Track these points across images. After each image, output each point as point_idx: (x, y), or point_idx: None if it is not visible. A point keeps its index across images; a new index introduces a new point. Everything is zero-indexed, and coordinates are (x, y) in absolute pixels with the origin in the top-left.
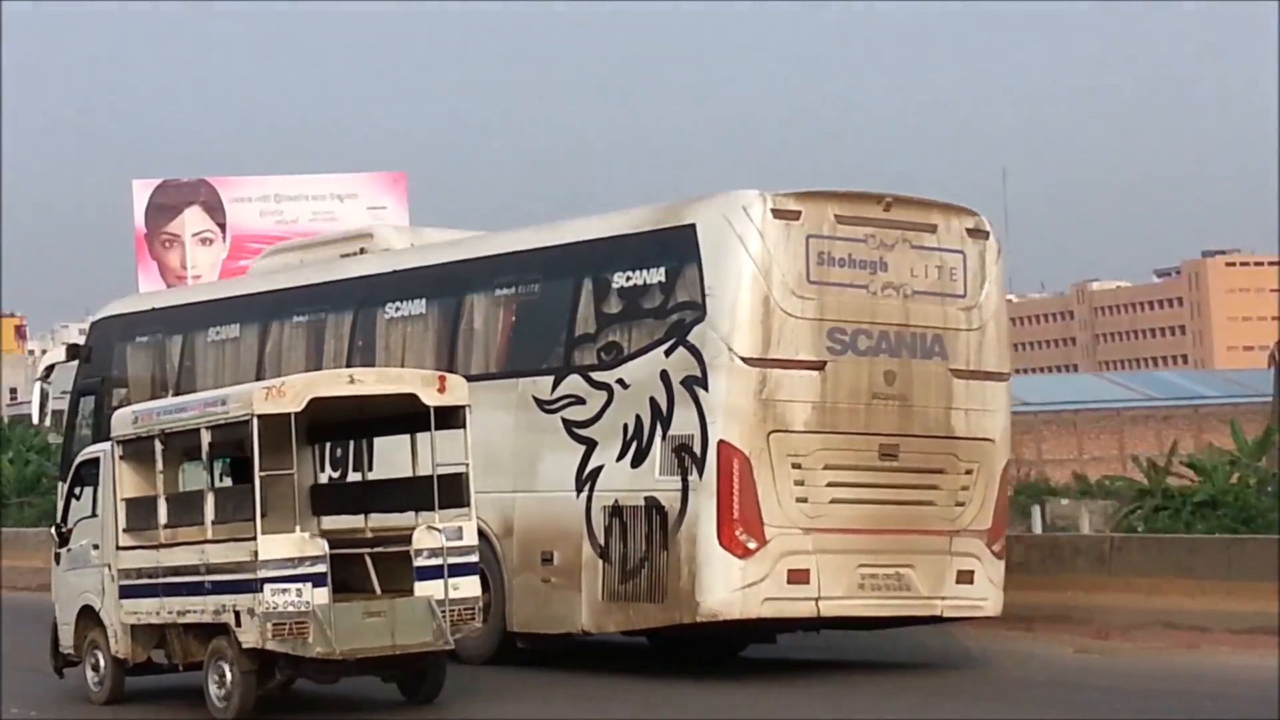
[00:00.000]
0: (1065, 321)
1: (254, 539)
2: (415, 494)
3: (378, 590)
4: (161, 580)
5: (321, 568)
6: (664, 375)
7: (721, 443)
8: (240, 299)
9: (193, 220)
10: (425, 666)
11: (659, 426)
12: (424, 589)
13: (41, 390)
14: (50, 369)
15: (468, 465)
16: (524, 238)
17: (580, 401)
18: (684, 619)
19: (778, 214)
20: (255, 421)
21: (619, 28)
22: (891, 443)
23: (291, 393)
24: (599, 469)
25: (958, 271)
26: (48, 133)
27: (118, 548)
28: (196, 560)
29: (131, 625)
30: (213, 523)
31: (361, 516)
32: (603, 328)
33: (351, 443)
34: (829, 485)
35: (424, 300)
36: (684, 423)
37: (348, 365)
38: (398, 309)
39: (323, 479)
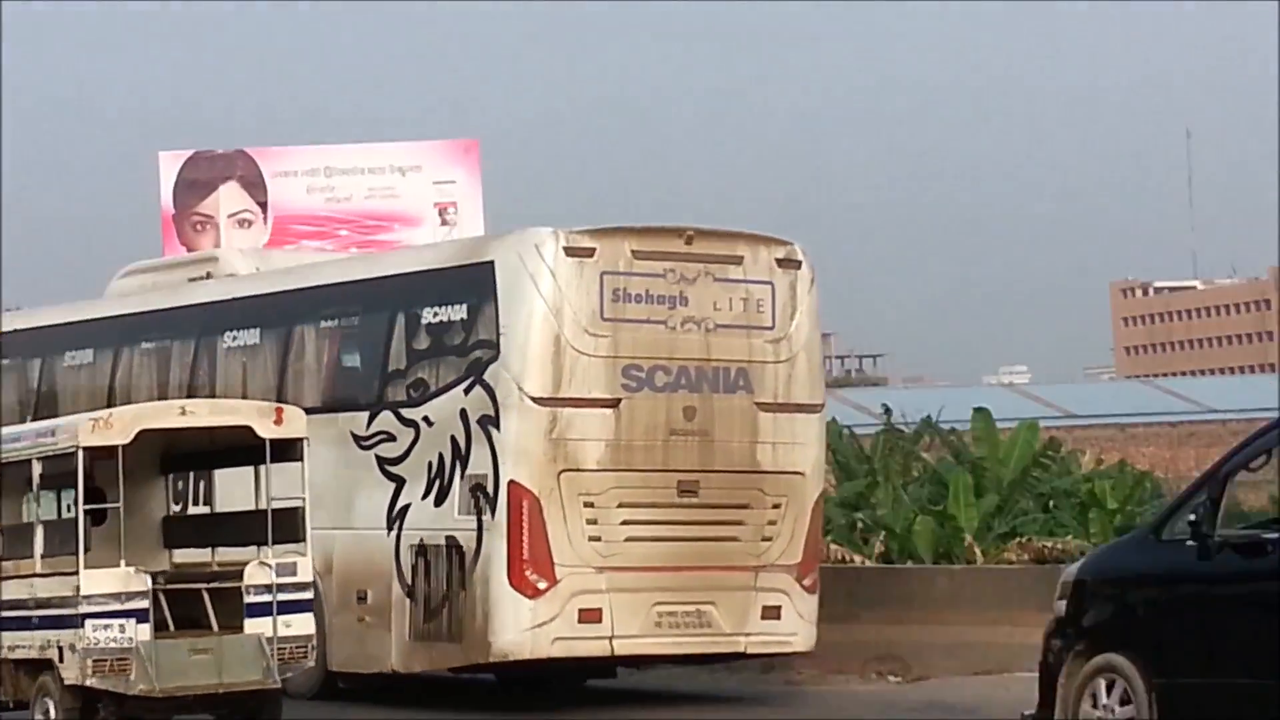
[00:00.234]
0: (1260, 313)
1: (77, 573)
2: (257, 528)
3: (214, 626)
4: None
5: (144, 603)
6: (463, 414)
7: (511, 483)
8: (94, 323)
9: (229, 198)
10: (258, 704)
11: (458, 466)
12: (254, 626)
13: None
14: None
15: (304, 500)
16: (347, 268)
17: (392, 439)
18: (479, 659)
19: (570, 251)
20: (81, 453)
21: None
22: (691, 479)
23: (119, 425)
24: (407, 507)
25: (765, 303)
26: (57, 101)
27: None
28: (25, 594)
29: None
30: (41, 556)
31: (209, 550)
32: (412, 364)
33: (204, 474)
34: (624, 523)
35: (259, 330)
36: (479, 462)
37: (189, 395)
38: (235, 338)
39: (198, 509)
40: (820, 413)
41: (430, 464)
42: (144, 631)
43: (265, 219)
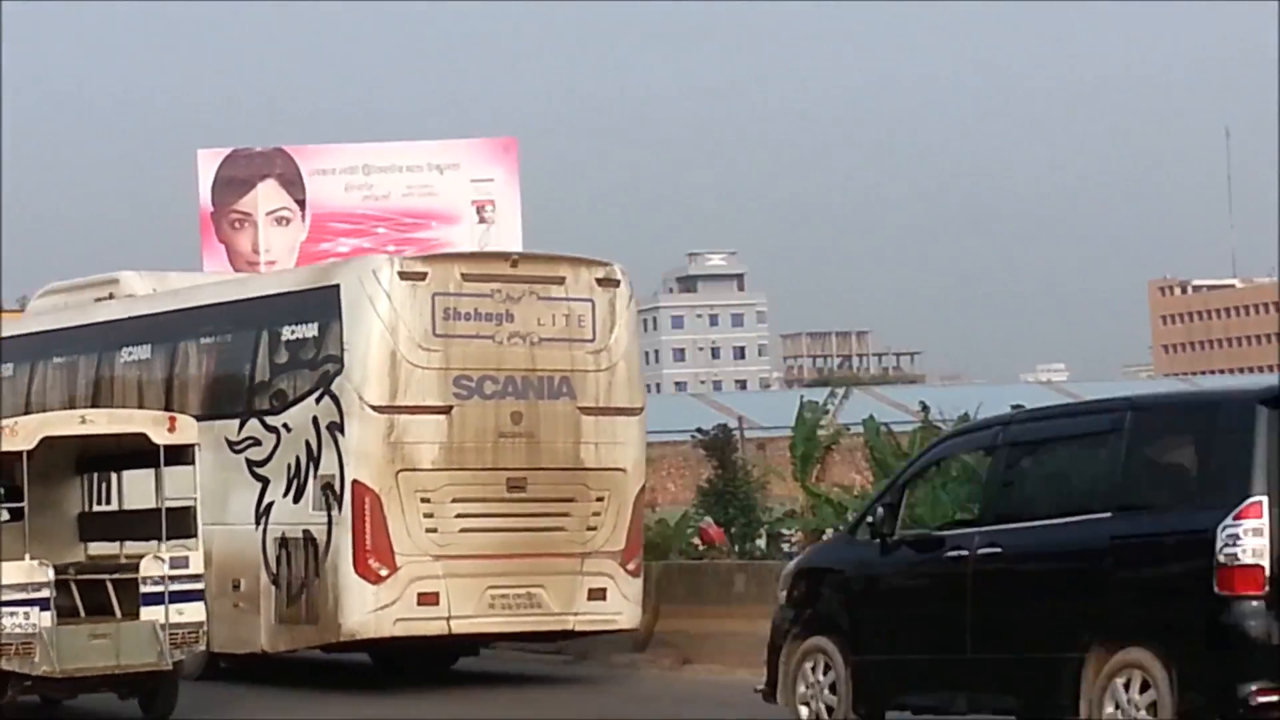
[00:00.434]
0: None
1: None
2: (155, 524)
3: (117, 613)
4: None
5: (46, 593)
6: (315, 421)
7: (355, 482)
8: (14, 339)
9: (267, 196)
10: (157, 684)
11: (312, 467)
12: (150, 613)
13: None
14: None
15: (196, 499)
16: (222, 291)
17: (258, 443)
18: (331, 639)
19: (405, 276)
20: None
21: None
22: (519, 476)
23: (24, 432)
24: (271, 504)
25: (586, 318)
26: (93, 100)
27: None
28: None
29: None
30: None
31: (119, 544)
32: (274, 376)
33: (113, 475)
34: (458, 516)
35: (149, 346)
36: (329, 464)
37: (93, 405)
38: (131, 354)
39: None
40: (640, 415)
41: (289, 466)
42: (46, 618)
43: (303, 217)
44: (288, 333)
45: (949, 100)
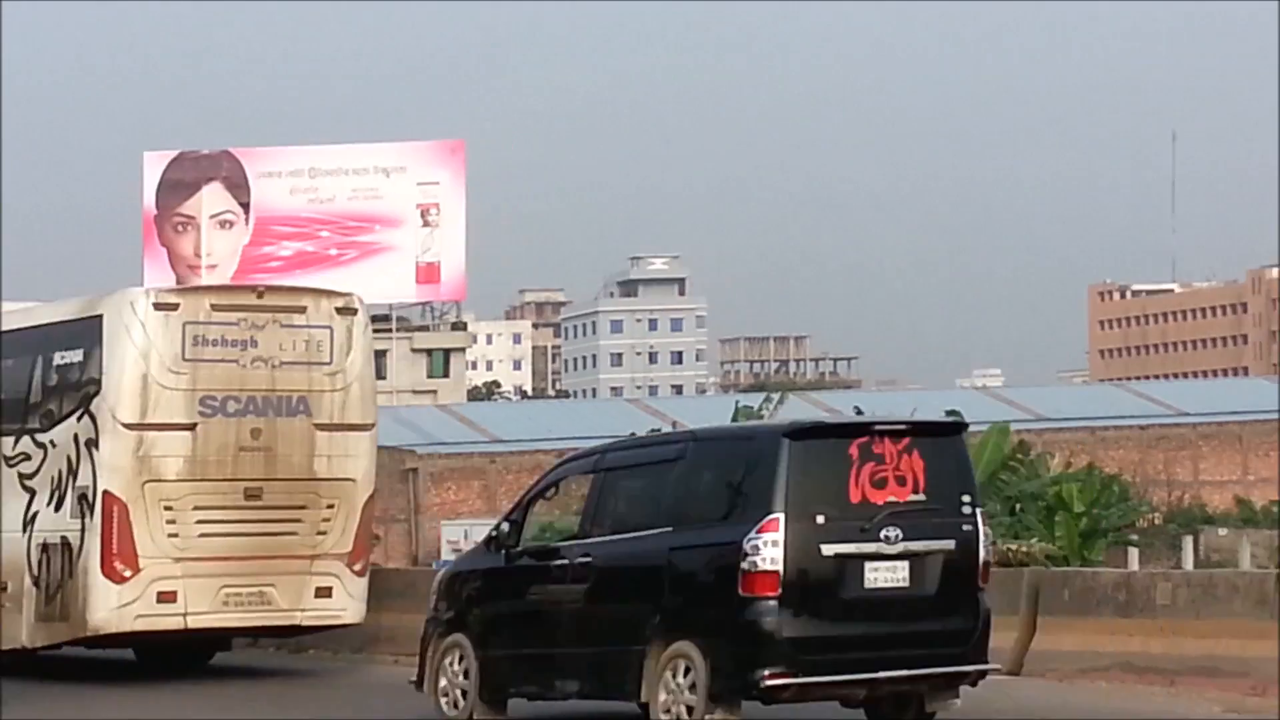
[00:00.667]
0: (1237, 316)
1: None
2: None
3: None
4: None
5: None
6: (75, 437)
7: (105, 492)
8: None
9: (212, 199)
10: None
11: (71, 479)
12: None
13: None
14: None
15: None
16: (11, 320)
17: (29, 458)
18: (80, 634)
19: (158, 307)
20: None
21: None
22: (256, 486)
23: None
24: (37, 513)
25: (325, 344)
26: (42, 99)
27: None
28: None
29: None
30: None
31: None
32: (45, 397)
33: None
34: (198, 523)
35: None
36: (85, 476)
37: None
38: None
39: None
40: (371, 431)
41: (53, 478)
42: None
43: (247, 220)
44: (59, 358)
45: (889, 103)
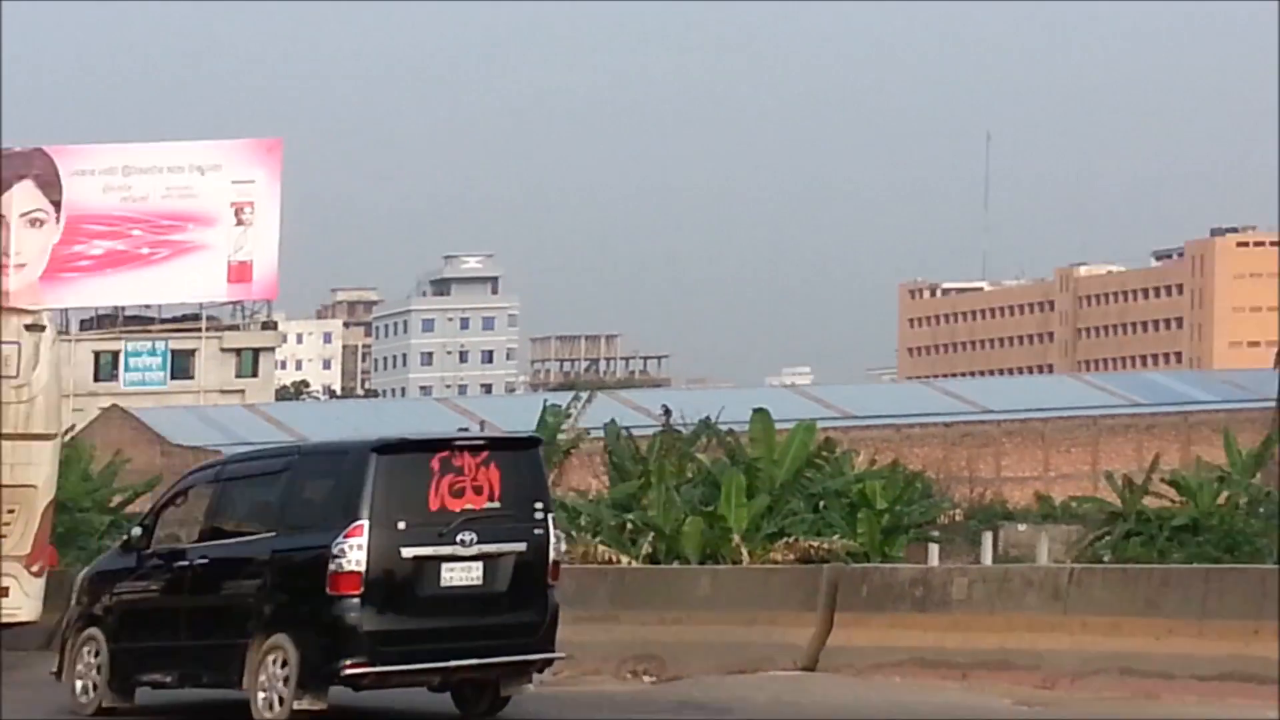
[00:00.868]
0: (1044, 314)
1: None
2: None
3: None
4: None
5: None
6: None
7: None
8: None
9: (22, 197)
10: None
11: None
12: None
13: None
14: None
15: None
16: None
17: None
18: None
19: None
20: None
21: None
22: None
23: None
24: None
25: (12, 359)
26: None
27: None
28: None
29: None
30: None
31: None
32: None
33: None
34: None
35: None
36: None
37: None
38: None
39: None
40: (54, 440)
41: None
42: None
43: (58, 219)
44: None
45: (696, 101)
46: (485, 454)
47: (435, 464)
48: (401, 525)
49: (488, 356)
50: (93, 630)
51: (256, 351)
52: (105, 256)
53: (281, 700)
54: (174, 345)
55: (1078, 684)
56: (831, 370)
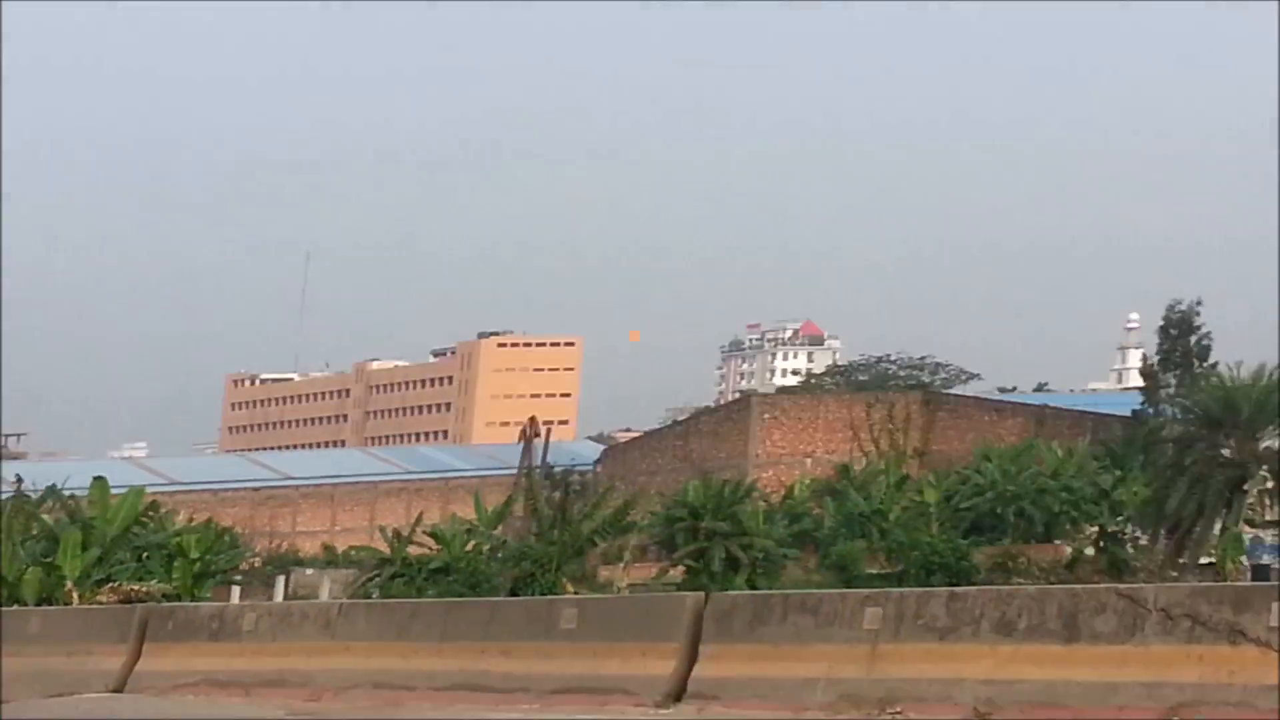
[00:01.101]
0: (341, 399)
1: None
2: None
3: None
4: None
5: None
6: None
7: None
8: None
9: None
10: None
11: None
12: None
13: None
14: None
15: None
16: None
17: None
18: None
19: None
20: None
21: None
22: None
23: None
24: None
25: None
26: None
27: None
28: None
29: None
30: None
31: None
32: None
33: None
34: None
35: None
36: None
37: None
38: None
39: None
40: None
41: None
42: None
43: None
44: None
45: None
46: None
47: None
48: None
49: None
50: None
51: None
52: None
53: None
54: None
55: (340, 696)
56: (165, 444)
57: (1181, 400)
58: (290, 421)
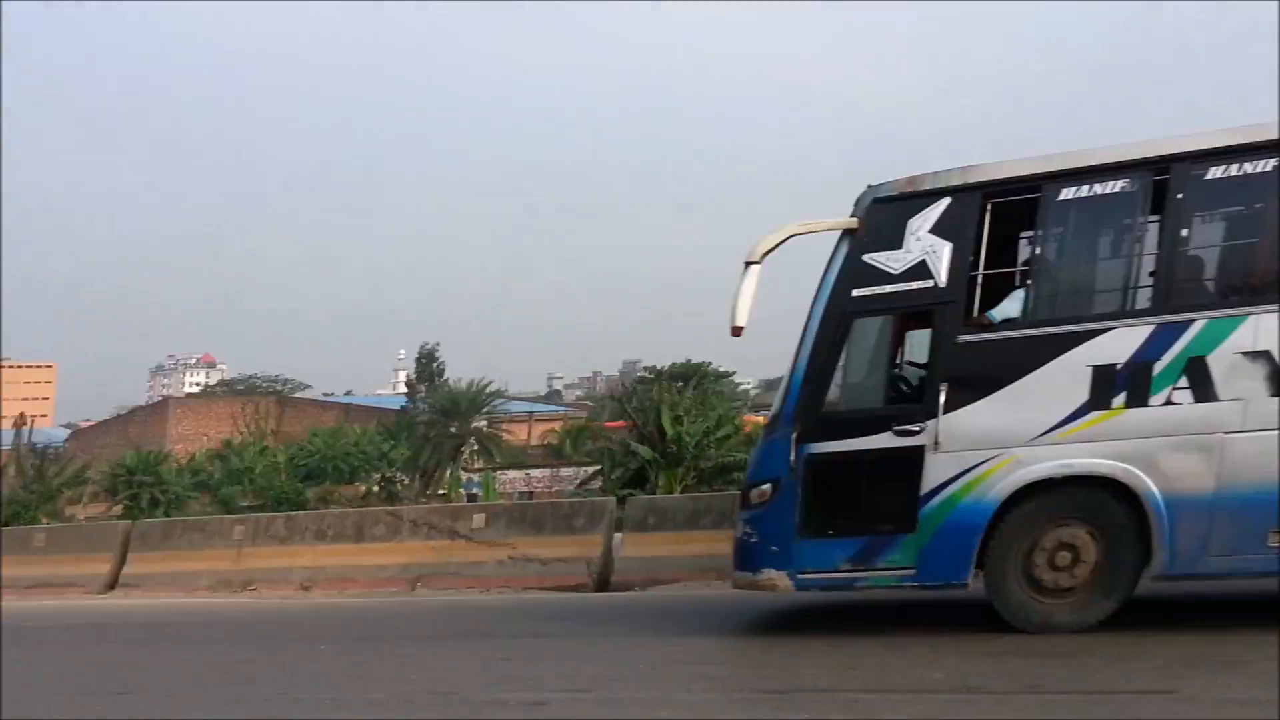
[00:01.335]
0: None
1: None
2: None
3: None
4: None
5: None
6: None
7: None
8: None
9: None
10: None
11: None
12: None
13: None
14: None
15: None
16: None
17: None
18: None
19: None
20: None
21: None
22: None
23: None
24: None
25: None
26: None
27: None
28: None
29: None
30: None
31: None
32: None
33: None
34: None
35: None
36: None
37: None
38: None
39: None
40: None
41: None
42: None
43: None
44: None
45: None
46: None
47: None
48: None
49: None
50: None
51: None
52: None
53: None
54: None
55: None
56: None
57: (427, 400)
58: None
